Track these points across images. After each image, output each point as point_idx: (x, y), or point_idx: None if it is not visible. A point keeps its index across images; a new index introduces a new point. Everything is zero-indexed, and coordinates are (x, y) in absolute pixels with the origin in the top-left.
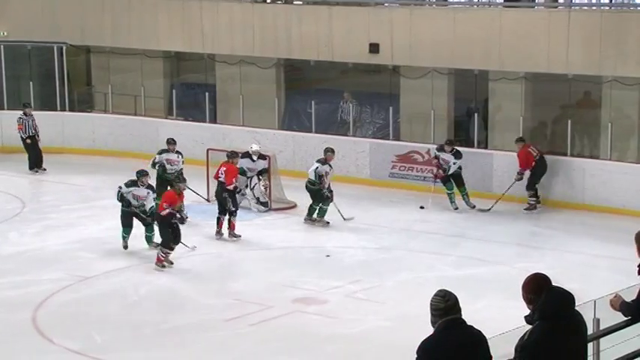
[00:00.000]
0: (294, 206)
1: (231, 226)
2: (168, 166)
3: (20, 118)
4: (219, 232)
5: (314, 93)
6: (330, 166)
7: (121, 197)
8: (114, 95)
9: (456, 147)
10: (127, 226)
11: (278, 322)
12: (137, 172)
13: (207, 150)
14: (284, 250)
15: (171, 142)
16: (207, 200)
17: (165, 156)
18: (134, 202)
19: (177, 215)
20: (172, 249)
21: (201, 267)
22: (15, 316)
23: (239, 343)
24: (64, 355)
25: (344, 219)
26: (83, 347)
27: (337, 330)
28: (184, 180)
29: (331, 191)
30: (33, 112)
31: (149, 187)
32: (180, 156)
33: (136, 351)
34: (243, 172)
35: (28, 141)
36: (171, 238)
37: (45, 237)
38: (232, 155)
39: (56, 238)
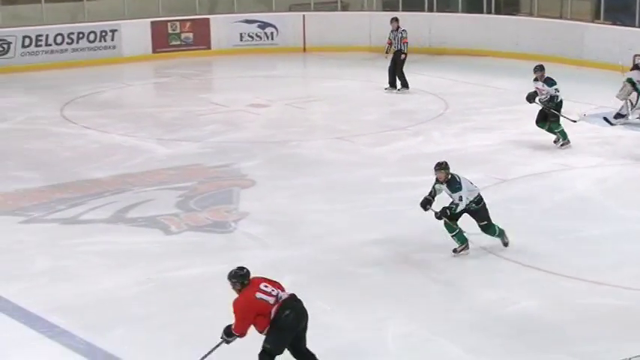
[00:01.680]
0: None
1: None
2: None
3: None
4: None
5: None
6: None
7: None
8: None
9: None
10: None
11: None
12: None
13: (634, 56)
14: None
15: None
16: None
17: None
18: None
19: None
20: None
21: (617, 177)
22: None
23: None
24: (480, 254)
25: None
26: (499, 248)
27: None
28: None
29: None
30: None
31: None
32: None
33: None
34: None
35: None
36: None
37: (465, 138)
38: None
39: (476, 139)
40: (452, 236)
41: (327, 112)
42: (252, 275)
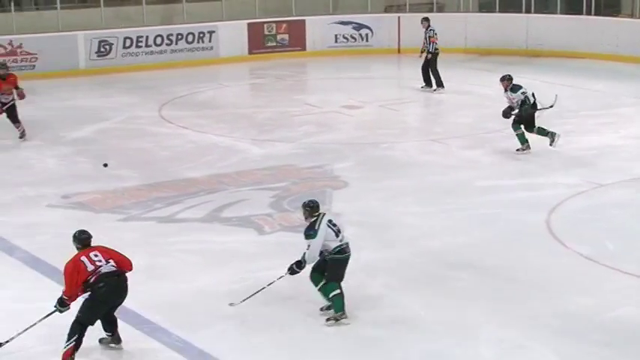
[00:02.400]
0: None
1: None
2: None
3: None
4: None
5: None
6: None
7: None
8: None
9: None
10: None
11: None
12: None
13: None
14: None
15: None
16: None
17: None
18: None
19: None
20: None
21: None
22: (529, 218)
23: None
24: (575, 260)
25: None
26: (594, 253)
27: None
28: None
29: None
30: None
31: None
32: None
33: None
34: None
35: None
36: None
37: (562, 142)
38: None
39: (573, 143)
40: None
41: (421, 114)
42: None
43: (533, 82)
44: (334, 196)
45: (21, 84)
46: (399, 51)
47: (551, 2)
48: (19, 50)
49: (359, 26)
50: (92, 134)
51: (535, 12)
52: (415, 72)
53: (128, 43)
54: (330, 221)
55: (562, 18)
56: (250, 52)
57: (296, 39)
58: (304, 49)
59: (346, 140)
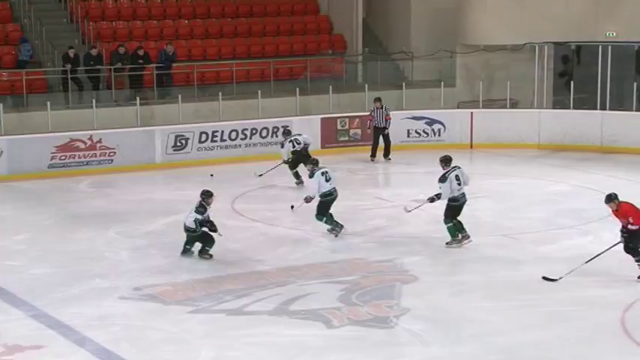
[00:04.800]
0: None
1: None
2: None
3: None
4: None
5: None
6: None
7: None
8: None
9: None
10: None
11: None
12: None
13: None
14: None
15: None
16: None
17: None
18: None
19: None
20: None
21: None
22: (603, 315)
23: None
24: None
25: None
26: None
27: None
28: None
29: None
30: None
31: None
32: None
33: None
34: None
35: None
36: None
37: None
38: None
39: None
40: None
41: (493, 209)
42: None
43: (608, 178)
44: (404, 290)
45: (99, 178)
46: (471, 146)
47: (627, 99)
48: (98, 145)
49: (431, 121)
50: (165, 227)
51: (610, 109)
52: (487, 167)
53: (204, 137)
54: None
55: (637, 115)
56: (323, 147)
57: (368, 134)
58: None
59: (417, 234)
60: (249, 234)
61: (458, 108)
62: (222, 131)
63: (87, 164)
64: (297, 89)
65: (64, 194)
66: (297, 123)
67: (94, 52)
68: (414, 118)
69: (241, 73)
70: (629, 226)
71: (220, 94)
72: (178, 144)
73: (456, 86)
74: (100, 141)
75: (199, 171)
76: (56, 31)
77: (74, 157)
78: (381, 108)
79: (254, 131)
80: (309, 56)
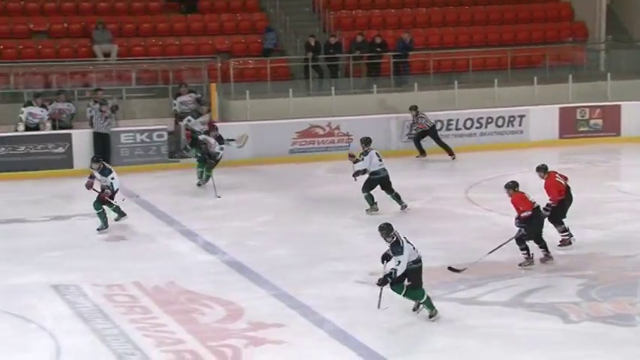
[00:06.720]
0: None
1: None
2: None
3: None
4: None
5: None
6: None
7: None
8: None
9: None
10: None
11: None
12: None
13: None
14: None
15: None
16: None
17: None
18: None
19: None
20: None
21: None
22: None
23: None
24: None
25: None
26: None
27: None
28: None
29: None
30: None
31: None
32: None
33: None
34: None
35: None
36: None
37: None
38: None
39: None
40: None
41: None
42: None
43: None
44: None
45: (336, 164)
46: None
47: None
48: (336, 131)
49: None
50: (401, 214)
51: None
52: None
53: (439, 125)
54: None
55: None
56: (561, 137)
57: (610, 124)
58: (619, 134)
59: None
60: (484, 224)
61: None
62: (458, 119)
63: (326, 150)
64: (535, 78)
65: (303, 178)
66: (533, 112)
67: (332, 40)
68: None
69: (478, 61)
70: None
71: (456, 82)
72: (412, 131)
73: None
74: (337, 127)
75: (435, 159)
76: (299, 20)
77: (313, 143)
78: (416, 116)
79: (489, 120)
80: (548, 44)
